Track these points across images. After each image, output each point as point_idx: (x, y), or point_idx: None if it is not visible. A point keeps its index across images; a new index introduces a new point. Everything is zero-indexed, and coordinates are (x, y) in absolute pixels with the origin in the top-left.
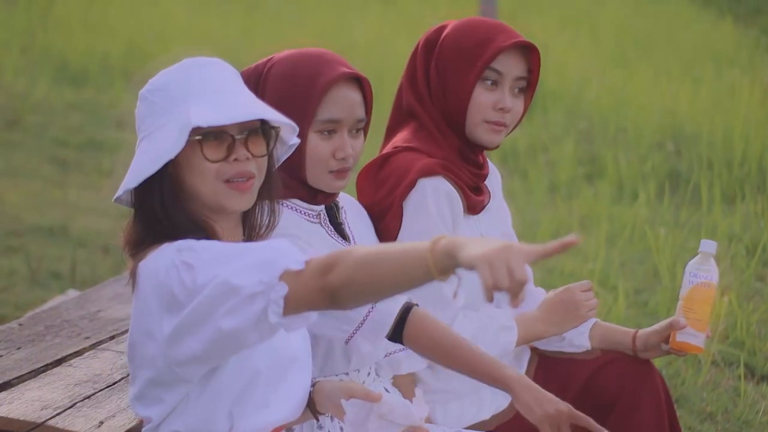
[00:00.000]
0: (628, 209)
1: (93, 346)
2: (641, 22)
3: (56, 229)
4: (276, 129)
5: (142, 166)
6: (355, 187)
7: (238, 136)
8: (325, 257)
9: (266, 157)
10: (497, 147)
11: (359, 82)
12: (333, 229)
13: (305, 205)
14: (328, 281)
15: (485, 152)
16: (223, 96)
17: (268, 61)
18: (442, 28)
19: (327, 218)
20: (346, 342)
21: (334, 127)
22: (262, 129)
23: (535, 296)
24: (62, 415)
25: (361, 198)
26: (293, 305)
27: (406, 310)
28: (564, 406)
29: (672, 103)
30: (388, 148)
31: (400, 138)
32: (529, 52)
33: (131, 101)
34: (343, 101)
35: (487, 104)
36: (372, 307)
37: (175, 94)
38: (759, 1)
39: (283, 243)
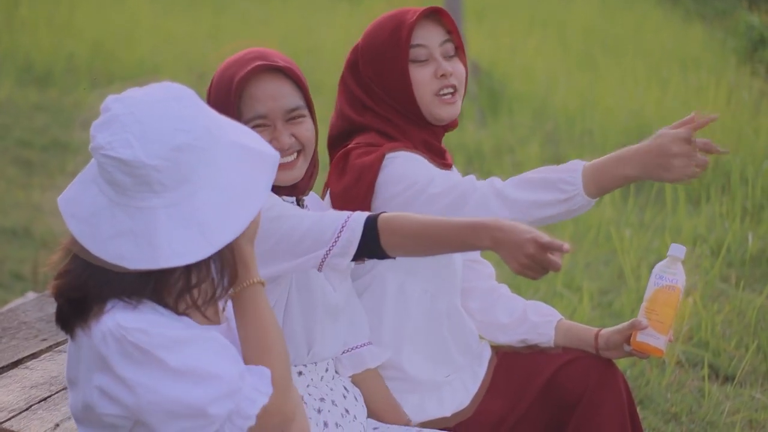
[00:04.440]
0: (593, 210)
1: (50, 348)
2: (609, 24)
3: (19, 230)
4: None
5: (217, 222)
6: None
7: None
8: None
9: None
10: (455, 126)
11: (285, 73)
12: None
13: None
14: None
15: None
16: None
17: (216, 72)
18: (356, 47)
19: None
20: (320, 268)
21: (263, 122)
22: None
23: (513, 302)
24: (17, 417)
25: (332, 187)
26: None
27: (373, 221)
28: (531, 248)
29: (638, 105)
30: (348, 145)
31: (358, 139)
32: (440, 17)
33: (96, 102)
34: (261, 95)
35: (427, 78)
36: (342, 228)
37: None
38: (726, 3)
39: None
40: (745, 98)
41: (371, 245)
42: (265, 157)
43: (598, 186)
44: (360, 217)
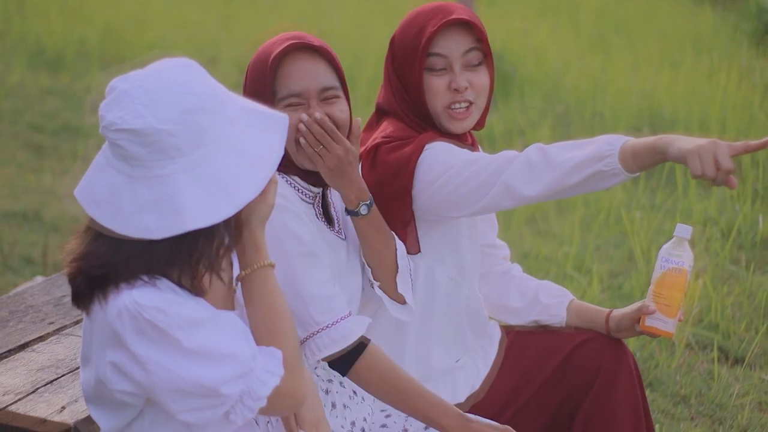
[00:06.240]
0: (603, 193)
1: (57, 332)
2: (621, 8)
3: (29, 214)
4: None
5: (238, 181)
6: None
7: None
8: None
9: None
10: (481, 127)
11: (320, 53)
12: (321, 212)
13: (304, 184)
14: None
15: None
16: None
17: (252, 57)
18: (394, 34)
19: (321, 200)
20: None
21: (297, 101)
22: None
23: (525, 284)
24: (24, 400)
25: (365, 179)
26: None
27: (361, 345)
28: None
29: (650, 88)
30: (377, 139)
31: (385, 128)
32: (470, 23)
33: (106, 85)
34: (296, 73)
35: (439, 90)
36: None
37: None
38: None
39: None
40: (756, 81)
41: (345, 360)
42: (275, 118)
43: (634, 154)
44: (353, 329)
